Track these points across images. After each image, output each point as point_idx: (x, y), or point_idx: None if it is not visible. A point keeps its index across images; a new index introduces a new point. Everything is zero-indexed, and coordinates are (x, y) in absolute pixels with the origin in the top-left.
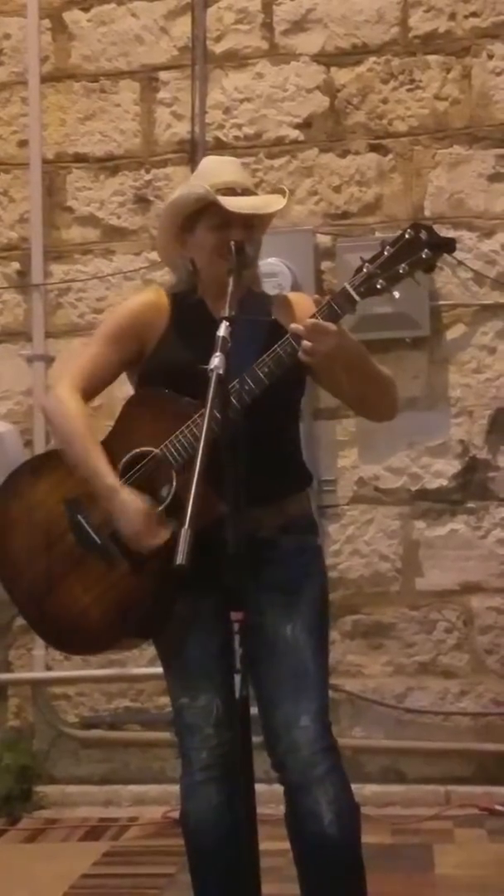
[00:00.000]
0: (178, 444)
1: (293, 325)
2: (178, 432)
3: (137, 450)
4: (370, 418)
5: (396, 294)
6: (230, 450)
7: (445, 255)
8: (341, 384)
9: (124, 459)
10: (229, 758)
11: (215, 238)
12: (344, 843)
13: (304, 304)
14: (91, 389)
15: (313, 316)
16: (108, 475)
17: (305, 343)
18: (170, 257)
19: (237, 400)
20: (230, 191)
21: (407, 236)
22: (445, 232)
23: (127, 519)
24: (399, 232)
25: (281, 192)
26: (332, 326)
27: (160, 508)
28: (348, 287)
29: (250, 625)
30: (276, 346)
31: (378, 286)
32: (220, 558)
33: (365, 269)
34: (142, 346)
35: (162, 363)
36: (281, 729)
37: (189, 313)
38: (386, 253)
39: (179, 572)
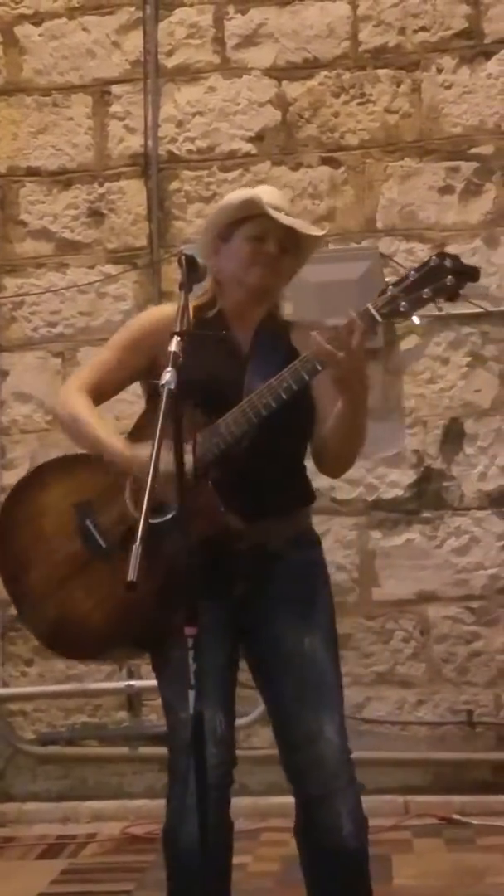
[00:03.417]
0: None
1: (314, 334)
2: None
3: None
4: (332, 468)
5: (416, 319)
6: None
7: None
8: (339, 417)
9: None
10: (226, 778)
11: (250, 248)
12: (359, 854)
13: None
14: (97, 395)
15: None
16: (116, 443)
17: (331, 349)
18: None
19: (252, 412)
20: (276, 209)
21: (432, 263)
22: (397, 244)
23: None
24: (425, 258)
25: (321, 227)
26: (359, 326)
27: (167, 517)
28: (371, 308)
29: (261, 637)
30: (295, 362)
31: (401, 308)
32: (230, 571)
33: (389, 292)
34: (154, 358)
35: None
36: (302, 741)
37: (207, 328)
38: (410, 277)
39: (130, 589)
